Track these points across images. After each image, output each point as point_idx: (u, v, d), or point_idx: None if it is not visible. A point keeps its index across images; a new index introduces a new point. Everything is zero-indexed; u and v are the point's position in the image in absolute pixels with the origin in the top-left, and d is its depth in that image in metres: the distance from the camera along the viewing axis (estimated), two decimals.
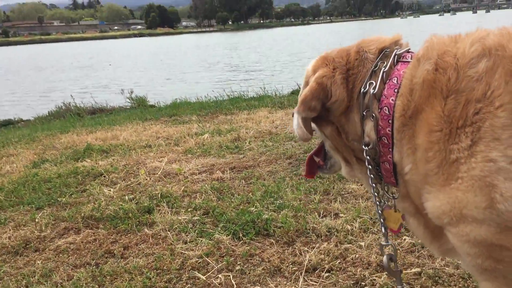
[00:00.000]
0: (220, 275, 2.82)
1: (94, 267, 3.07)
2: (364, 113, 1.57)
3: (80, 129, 8.04)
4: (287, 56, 36.14)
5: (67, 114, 11.44)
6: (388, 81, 1.54)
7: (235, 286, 2.71)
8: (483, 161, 1.23)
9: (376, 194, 1.72)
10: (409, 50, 1.63)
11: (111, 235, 3.50)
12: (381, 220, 1.77)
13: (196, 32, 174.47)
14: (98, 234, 3.55)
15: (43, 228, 3.72)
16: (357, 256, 2.85)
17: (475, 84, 1.28)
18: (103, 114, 11.04)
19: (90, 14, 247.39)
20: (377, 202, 1.74)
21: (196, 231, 3.39)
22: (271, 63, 31.92)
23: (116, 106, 12.38)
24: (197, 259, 3.01)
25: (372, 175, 1.64)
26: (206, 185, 4.32)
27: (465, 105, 1.28)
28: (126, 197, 4.16)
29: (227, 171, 4.73)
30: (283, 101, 8.73)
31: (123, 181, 4.70)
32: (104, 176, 4.91)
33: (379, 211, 1.75)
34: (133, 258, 3.13)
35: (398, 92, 1.48)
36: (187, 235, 3.36)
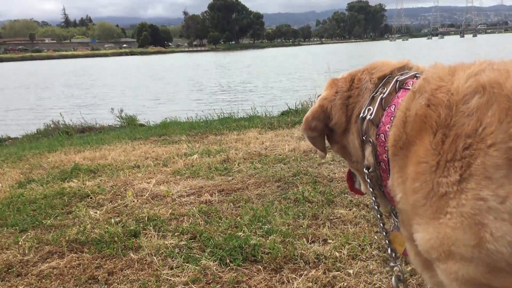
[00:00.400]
0: None
1: None
2: (364, 138, 1.61)
3: (68, 148, 7.96)
4: (278, 77, 36.37)
5: (56, 132, 11.34)
6: (387, 108, 1.57)
7: None
8: (473, 198, 1.21)
9: (379, 216, 1.76)
10: (416, 75, 1.64)
11: (96, 260, 3.43)
12: (387, 241, 1.80)
13: (187, 51, 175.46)
14: (82, 258, 3.47)
15: (27, 252, 3.64)
16: (345, 284, 2.81)
17: (466, 119, 1.27)
18: (92, 133, 10.97)
19: (82, 32, 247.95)
20: (381, 224, 1.77)
21: (183, 256, 3.33)
22: (261, 83, 32.08)
23: (105, 124, 12.33)
24: (183, 286, 2.95)
25: (374, 197, 1.69)
26: (194, 208, 4.27)
27: (454, 139, 1.28)
28: (113, 220, 4.09)
29: (215, 193, 4.69)
30: (273, 122, 8.74)
31: (110, 203, 4.63)
32: (91, 198, 4.85)
33: (384, 233, 1.79)
34: (118, 284, 3.06)
35: (392, 121, 1.51)
36: (173, 261, 3.30)
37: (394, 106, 1.54)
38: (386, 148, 1.52)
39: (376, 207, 1.72)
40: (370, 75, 1.69)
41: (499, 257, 1.19)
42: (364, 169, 1.63)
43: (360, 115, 1.62)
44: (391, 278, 2.81)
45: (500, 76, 1.28)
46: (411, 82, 1.59)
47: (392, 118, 1.52)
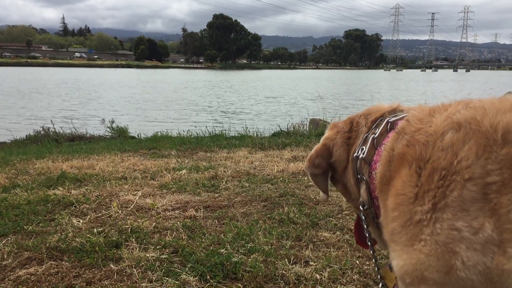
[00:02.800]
0: None
1: None
2: (359, 176, 1.69)
3: (57, 155, 7.91)
4: (271, 98, 36.60)
5: (45, 139, 11.28)
6: (378, 147, 1.65)
7: None
8: (448, 228, 1.25)
9: (372, 252, 1.80)
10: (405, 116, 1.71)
11: (75, 269, 3.39)
12: (379, 276, 1.84)
13: (183, 67, 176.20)
14: (61, 266, 3.43)
15: (5, 257, 3.59)
16: None
17: (441, 153, 1.32)
18: (81, 142, 10.91)
19: (79, 41, 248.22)
20: (373, 259, 1.82)
21: (163, 270, 3.31)
22: (254, 104, 32.25)
23: (95, 134, 12.28)
24: None
25: (368, 233, 1.74)
26: (178, 222, 4.26)
27: (430, 172, 1.32)
28: (95, 230, 4.06)
29: (200, 209, 4.68)
30: (264, 143, 8.77)
31: (94, 213, 4.60)
32: (75, 206, 4.81)
33: (376, 268, 1.83)
34: None
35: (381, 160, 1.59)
36: (153, 274, 3.27)
37: (384, 145, 1.62)
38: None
39: (369, 242, 1.78)
40: (366, 119, 1.80)
41: (470, 284, 1.22)
42: (360, 206, 1.70)
43: (355, 154, 1.71)
44: None
45: (477, 113, 1.33)
46: (400, 123, 1.67)
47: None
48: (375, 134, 1.68)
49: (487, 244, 1.19)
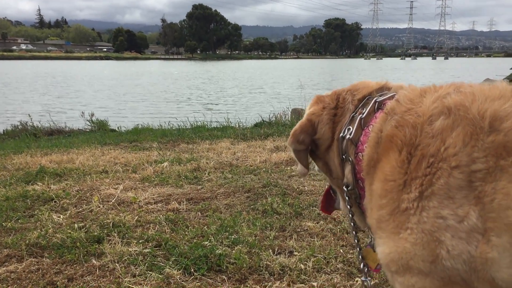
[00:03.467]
0: None
1: None
2: (344, 156, 1.65)
3: (35, 150, 7.76)
4: (253, 89, 36.52)
5: (23, 134, 11.06)
6: (365, 128, 1.61)
7: None
8: (434, 216, 1.24)
9: (355, 232, 1.81)
10: (394, 96, 1.66)
11: (56, 265, 3.33)
12: (360, 257, 1.84)
13: (163, 58, 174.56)
14: (42, 263, 3.37)
15: None
16: None
17: (430, 140, 1.31)
18: (60, 136, 10.73)
19: (56, 33, 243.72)
20: (356, 240, 1.83)
21: (146, 264, 3.27)
22: (236, 94, 32.14)
23: (75, 128, 12.08)
24: None
25: (351, 214, 1.73)
26: (161, 215, 4.21)
27: (419, 159, 1.31)
28: (76, 225, 3.99)
29: (183, 202, 4.64)
30: (246, 133, 8.74)
31: (75, 208, 4.52)
32: (55, 202, 4.72)
33: (358, 248, 1.83)
34: None
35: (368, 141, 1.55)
36: (136, 268, 3.23)
37: (372, 126, 1.58)
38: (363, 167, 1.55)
39: (352, 223, 1.76)
40: (352, 96, 1.75)
41: (455, 273, 1.23)
42: (344, 187, 1.68)
43: (341, 134, 1.67)
44: None
45: (466, 99, 1.32)
46: (389, 103, 1.63)
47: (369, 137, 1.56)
48: (363, 114, 1.65)
49: (472, 233, 1.19)
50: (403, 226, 1.30)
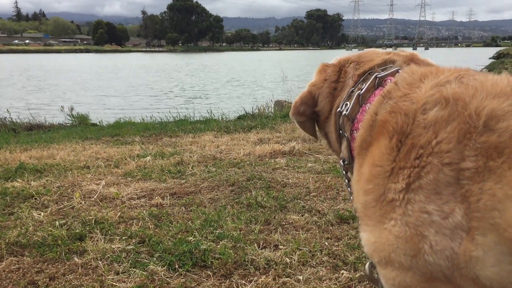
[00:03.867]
0: None
1: None
2: (340, 131, 1.64)
3: (14, 146, 7.60)
4: (236, 81, 36.39)
5: (1, 129, 10.82)
6: (363, 105, 1.58)
7: None
8: (419, 211, 1.22)
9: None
10: (399, 70, 1.62)
11: (37, 264, 3.26)
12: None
13: (145, 51, 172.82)
14: (22, 262, 3.30)
15: None
16: None
17: (422, 130, 1.28)
18: (40, 131, 10.53)
19: (34, 26, 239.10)
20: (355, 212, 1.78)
21: (130, 261, 3.22)
22: (218, 87, 31.99)
23: (55, 123, 11.86)
24: None
25: (349, 187, 1.68)
26: (144, 211, 4.16)
27: (409, 149, 1.28)
28: (57, 222, 3.91)
29: (167, 197, 4.59)
30: (229, 126, 8.69)
31: (56, 205, 4.44)
32: (35, 199, 4.63)
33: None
34: None
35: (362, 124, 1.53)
36: (119, 266, 3.19)
37: (369, 104, 1.55)
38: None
39: (351, 196, 1.71)
40: (354, 71, 1.72)
41: (437, 268, 1.21)
42: (340, 161, 1.68)
43: (338, 109, 1.65)
44: (340, 285, 2.83)
45: (467, 93, 1.28)
46: (390, 80, 1.58)
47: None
48: (361, 90, 1.61)
49: (456, 230, 1.18)
50: (388, 216, 1.28)
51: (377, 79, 1.62)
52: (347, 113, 1.60)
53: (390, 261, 1.28)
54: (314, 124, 1.85)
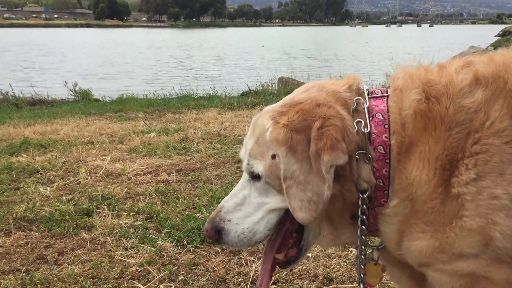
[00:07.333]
0: (161, 286, 2.69)
1: (24, 273, 2.84)
2: (357, 156, 1.38)
3: (18, 121, 7.58)
4: (238, 57, 36.11)
5: (4, 104, 10.78)
6: (371, 118, 1.41)
7: None
8: (488, 198, 1.19)
9: (363, 247, 1.50)
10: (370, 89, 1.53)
11: (45, 239, 3.27)
12: (361, 275, 1.58)
13: (146, 26, 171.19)
14: (30, 237, 3.31)
15: None
16: (304, 268, 2.80)
17: (474, 115, 1.23)
18: (43, 106, 10.49)
19: (35, 0, 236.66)
20: (362, 257, 1.54)
21: (138, 237, 3.23)
22: (222, 63, 31.76)
23: (58, 98, 11.78)
24: (137, 268, 2.86)
25: (364, 226, 1.43)
26: (151, 187, 4.15)
27: (466, 137, 1.23)
28: (64, 198, 3.91)
29: (173, 173, 4.58)
30: (233, 103, 8.64)
31: (61, 180, 4.43)
32: (41, 174, 4.62)
33: (363, 266, 1.56)
34: (68, 265, 2.93)
35: (389, 128, 1.37)
36: (128, 241, 3.19)
37: (380, 113, 1.40)
38: (386, 161, 1.36)
39: (363, 236, 1.46)
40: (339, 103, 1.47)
41: (504, 251, 1.21)
42: (360, 194, 1.39)
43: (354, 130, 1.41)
44: (349, 262, 2.83)
45: (499, 68, 1.25)
46: (379, 91, 1.48)
47: (385, 126, 1.37)
48: (366, 103, 1.44)
49: None
50: (457, 215, 1.23)
51: (367, 92, 1.48)
52: (368, 129, 1.38)
53: (462, 254, 1.24)
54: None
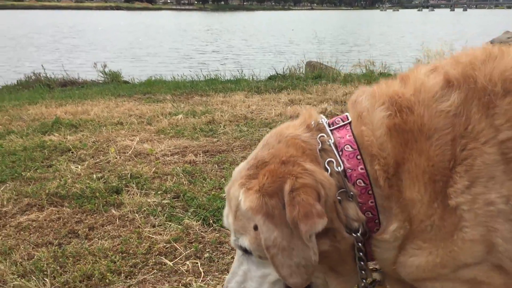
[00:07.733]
0: (187, 262, 2.76)
1: (56, 247, 2.96)
2: (339, 197, 1.34)
3: (50, 101, 7.77)
4: (267, 41, 35.92)
5: (37, 84, 11.04)
6: (341, 153, 1.37)
7: (202, 274, 2.66)
8: (484, 204, 1.17)
9: (364, 280, 1.47)
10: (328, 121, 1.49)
11: (76, 215, 3.39)
12: None
13: (175, 9, 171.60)
14: (62, 212, 3.42)
15: (5, 203, 3.57)
16: None
17: (454, 119, 1.19)
18: (74, 87, 10.72)
19: None
20: None
21: (165, 215, 3.31)
22: (250, 47, 31.67)
23: (88, 79, 12.03)
24: (164, 244, 2.94)
25: (362, 262, 1.42)
26: (178, 167, 4.22)
27: (452, 143, 1.20)
28: (94, 176, 4.02)
29: (200, 154, 4.64)
30: (260, 86, 8.63)
31: (92, 159, 4.55)
32: (72, 152, 4.75)
33: None
34: (98, 239, 3.03)
35: (362, 158, 1.32)
36: (155, 219, 3.28)
37: (348, 145, 1.36)
38: (369, 192, 1.32)
39: (363, 271, 1.44)
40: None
41: (505, 255, 1.19)
42: (352, 233, 1.36)
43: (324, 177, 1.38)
44: None
45: (467, 68, 1.22)
46: (339, 120, 1.45)
47: (358, 157, 1.33)
48: (330, 139, 1.41)
49: None
50: (458, 226, 1.20)
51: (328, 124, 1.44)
52: (341, 168, 1.34)
53: (466, 265, 1.23)
54: None
